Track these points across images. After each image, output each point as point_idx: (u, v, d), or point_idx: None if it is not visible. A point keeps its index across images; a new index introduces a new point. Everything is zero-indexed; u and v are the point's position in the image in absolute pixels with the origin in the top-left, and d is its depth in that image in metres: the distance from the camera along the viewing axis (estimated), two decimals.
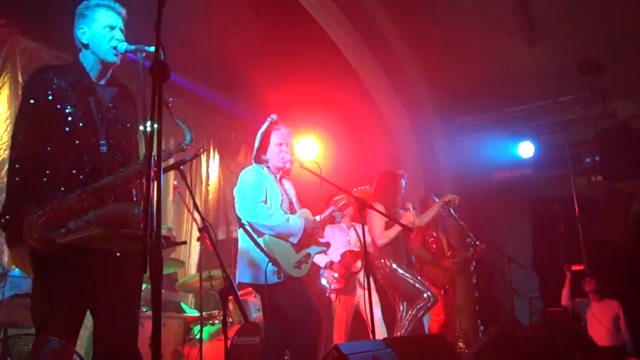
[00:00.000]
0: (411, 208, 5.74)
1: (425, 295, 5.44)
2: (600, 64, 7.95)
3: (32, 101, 2.69)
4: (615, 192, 8.54)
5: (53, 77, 2.72)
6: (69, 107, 2.69)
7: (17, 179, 2.64)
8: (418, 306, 5.48)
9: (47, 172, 2.65)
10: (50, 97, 2.67)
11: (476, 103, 9.03)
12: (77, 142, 2.68)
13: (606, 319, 6.70)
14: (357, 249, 5.99)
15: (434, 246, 6.72)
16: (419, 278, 5.62)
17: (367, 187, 5.03)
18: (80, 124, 2.70)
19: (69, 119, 2.67)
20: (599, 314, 6.74)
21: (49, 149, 2.66)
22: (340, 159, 8.06)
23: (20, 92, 5.86)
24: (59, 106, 2.68)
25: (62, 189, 2.61)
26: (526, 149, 8.94)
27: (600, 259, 7.80)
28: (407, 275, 5.54)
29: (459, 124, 9.48)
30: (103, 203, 2.63)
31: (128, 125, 2.91)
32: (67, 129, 2.67)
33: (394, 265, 5.55)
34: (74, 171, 2.65)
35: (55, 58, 6.06)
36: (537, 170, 9.14)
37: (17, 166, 2.65)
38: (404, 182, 5.87)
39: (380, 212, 5.06)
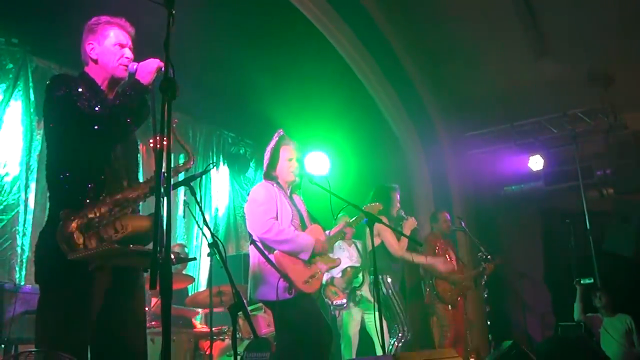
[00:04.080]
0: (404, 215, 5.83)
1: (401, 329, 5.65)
2: (610, 75, 7.92)
3: (71, 104, 2.63)
4: (626, 205, 8.47)
5: (78, 84, 2.71)
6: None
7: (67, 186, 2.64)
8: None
9: (77, 180, 2.64)
10: (78, 104, 2.63)
11: (485, 116, 9.03)
12: (97, 152, 2.69)
13: (618, 333, 6.63)
14: (358, 265, 6.08)
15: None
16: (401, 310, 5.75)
17: (377, 202, 5.02)
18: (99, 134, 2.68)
19: (95, 128, 2.64)
20: (611, 328, 6.67)
21: (81, 157, 2.66)
22: (349, 174, 8.08)
23: (32, 110, 5.95)
24: (86, 114, 2.63)
25: (80, 198, 2.59)
26: (536, 162, 8.91)
27: (612, 272, 7.73)
28: (397, 304, 5.69)
29: (468, 137, 9.48)
30: (124, 215, 2.63)
31: (131, 139, 2.94)
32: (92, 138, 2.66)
33: (391, 291, 5.70)
34: (90, 184, 2.64)
35: None
36: (548, 184, 9.10)
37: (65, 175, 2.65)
38: (398, 195, 5.95)
39: (387, 225, 5.06)
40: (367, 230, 4.19)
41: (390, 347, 5.59)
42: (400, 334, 5.65)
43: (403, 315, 5.70)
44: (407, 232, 5.66)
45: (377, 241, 5.73)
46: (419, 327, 6.89)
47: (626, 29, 7.27)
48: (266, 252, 4.02)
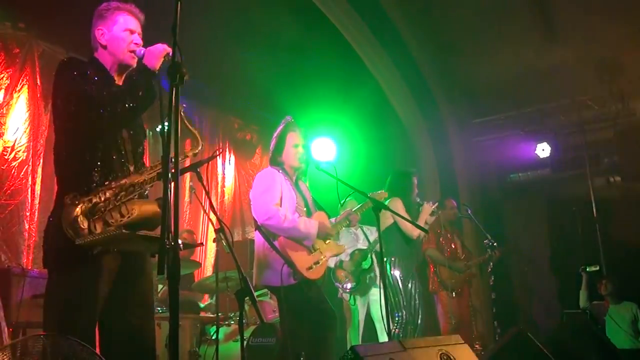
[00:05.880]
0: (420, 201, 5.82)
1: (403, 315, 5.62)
2: (618, 63, 7.86)
3: (80, 88, 2.63)
4: (633, 192, 8.44)
5: (86, 68, 2.72)
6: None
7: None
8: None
9: (83, 164, 2.66)
10: (86, 88, 2.64)
11: (492, 103, 8.98)
12: (103, 136, 2.69)
13: (624, 321, 6.62)
14: (365, 248, 6.10)
15: (448, 248, 6.72)
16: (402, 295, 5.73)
17: (383, 190, 5.01)
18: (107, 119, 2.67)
19: (101, 111, 2.63)
20: (616, 316, 6.67)
21: (88, 141, 2.67)
22: (356, 160, 8.07)
23: (39, 95, 5.95)
24: (93, 97, 2.63)
25: (86, 182, 2.60)
26: (543, 150, 8.86)
27: (619, 260, 7.71)
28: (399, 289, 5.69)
29: (475, 124, 9.43)
30: (131, 200, 2.63)
31: (138, 124, 2.94)
32: (98, 122, 2.65)
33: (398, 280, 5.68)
34: (96, 169, 2.65)
35: None
36: (555, 171, 9.04)
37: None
38: (416, 180, 5.94)
39: (392, 211, 5.03)
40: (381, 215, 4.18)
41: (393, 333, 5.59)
42: (401, 319, 5.65)
43: (405, 301, 5.67)
44: (424, 217, 5.64)
45: (390, 222, 5.75)
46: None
47: (635, 15, 7.20)
48: (270, 238, 4.03)
